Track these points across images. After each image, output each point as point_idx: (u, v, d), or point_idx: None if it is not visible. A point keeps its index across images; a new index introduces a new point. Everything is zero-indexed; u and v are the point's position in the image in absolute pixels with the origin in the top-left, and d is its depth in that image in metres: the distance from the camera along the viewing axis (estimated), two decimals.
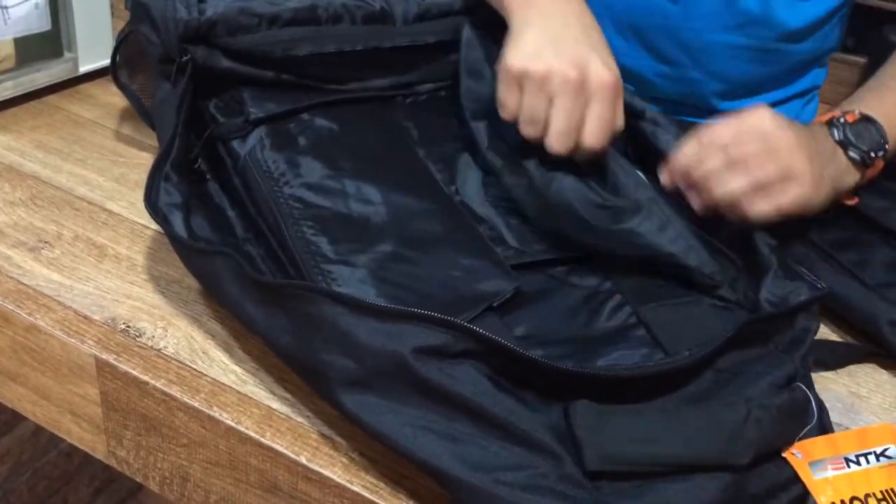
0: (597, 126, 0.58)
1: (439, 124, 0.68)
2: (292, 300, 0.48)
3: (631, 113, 0.64)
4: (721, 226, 0.61)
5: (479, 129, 0.66)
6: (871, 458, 0.49)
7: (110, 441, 0.57)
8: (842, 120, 0.65)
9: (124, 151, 0.73)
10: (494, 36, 0.70)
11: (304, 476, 0.49)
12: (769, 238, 0.59)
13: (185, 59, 0.61)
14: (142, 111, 0.74)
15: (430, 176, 0.64)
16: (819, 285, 0.56)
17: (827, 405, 0.52)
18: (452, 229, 0.59)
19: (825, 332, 0.63)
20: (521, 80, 0.58)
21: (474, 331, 0.45)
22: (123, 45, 0.71)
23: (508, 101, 0.60)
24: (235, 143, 0.62)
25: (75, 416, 0.58)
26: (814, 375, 0.54)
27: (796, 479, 0.47)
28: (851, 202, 0.67)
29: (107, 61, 0.82)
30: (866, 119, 0.65)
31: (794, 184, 0.58)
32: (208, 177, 0.64)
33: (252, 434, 0.50)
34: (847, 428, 0.55)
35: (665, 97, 0.79)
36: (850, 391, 0.58)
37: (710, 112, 0.77)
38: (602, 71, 0.57)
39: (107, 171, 0.71)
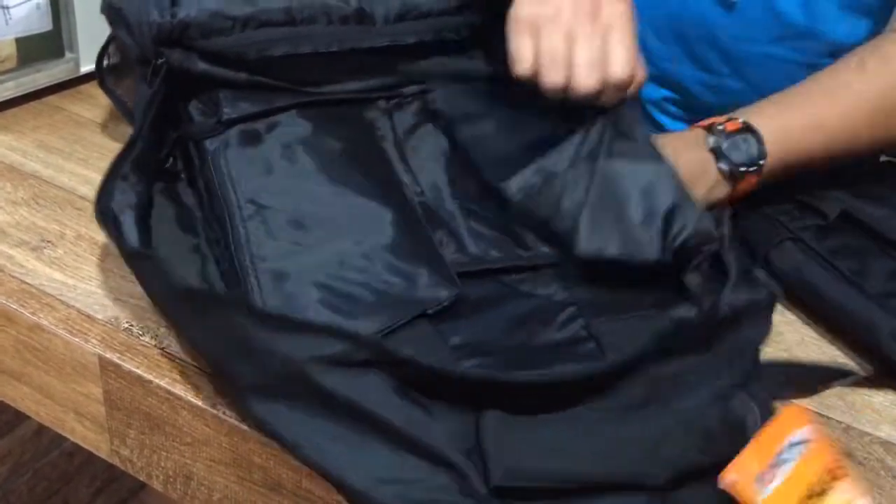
0: (622, 53, 0.56)
1: (417, 125, 0.68)
2: (206, 306, 0.48)
3: None
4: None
5: (462, 130, 0.66)
6: (792, 451, 0.46)
7: (114, 440, 0.57)
8: (720, 127, 0.63)
9: None
10: (482, 39, 0.70)
11: (308, 474, 0.49)
12: (734, 243, 0.57)
13: (159, 61, 0.61)
14: (127, 115, 0.74)
15: (395, 178, 0.63)
16: (773, 289, 0.52)
17: (827, 402, 0.51)
18: (402, 234, 0.58)
19: (819, 342, 0.62)
20: (533, 24, 0.57)
21: (366, 339, 0.44)
22: (112, 49, 0.71)
23: (523, 51, 0.58)
24: (207, 143, 0.62)
25: (79, 415, 0.58)
26: None
27: (729, 501, 0.44)
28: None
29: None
30: (748, 129, 0.63)
31: None
32: (182, 177, 0.64)
33: (256, 433, 0.50)
34: (849, 426, 0.56)
35: (702, 106, 0.78)
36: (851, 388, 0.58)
37: None
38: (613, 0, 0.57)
39: None
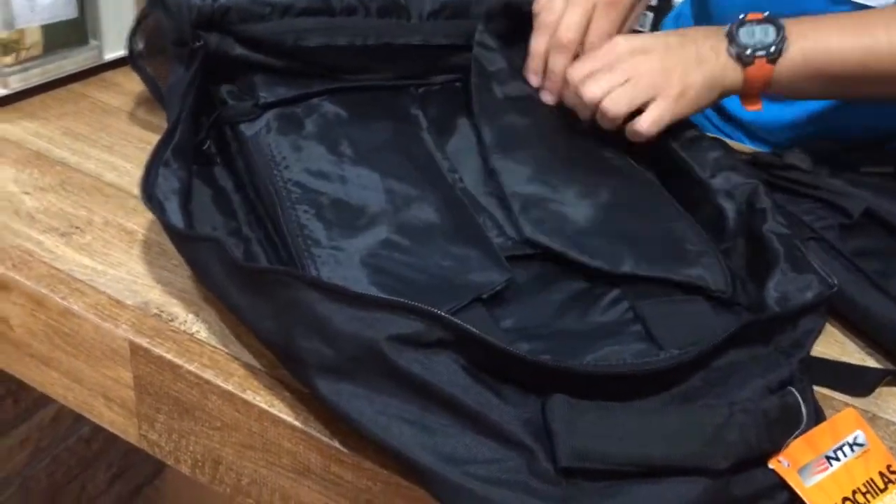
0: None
1: (449, 114, 0.69)
2: (273, 286, 0.48)
3: None
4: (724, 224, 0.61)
5: (487, 131, 0.66)
6: (847, 449, 0.49)
7: (142, 424, 0.58)
8: (743, 16, 0.66)
9: (151, 138, 0.74)
10: (509, 42, 0.71)
11: (337, 458, 0.50)
12: (781, 226, 0.58)
13: (197, 44, 0.62)
14: (158, 94, 0.74)
15: (434, 164, 0.64)
16: (830, 281, 0.54)
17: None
18: (449, 218, 0.59)
19: (841, 341, 0.62)
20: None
21: (447, 320, 0.44)
22: (141, 27, 0.71)
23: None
24: (244, 127, 0.63)
25: (108, 400, 0.59)
26: None
27: (782, 486, 0.46)
28: (753, 107, 0.67)
29: None
30: (770, 21, 0.65)
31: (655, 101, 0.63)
32: (218, 160, 0.64)
33: (285, 417, 0.51)
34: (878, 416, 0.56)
35: None
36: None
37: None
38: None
39: (134, 157, 0.71)
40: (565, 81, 0.68)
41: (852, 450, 0.49)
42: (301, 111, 0.64)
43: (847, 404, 0.56)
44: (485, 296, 0.53)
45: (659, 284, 0.57)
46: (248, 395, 0.52)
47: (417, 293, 0.52)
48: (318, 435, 0.50)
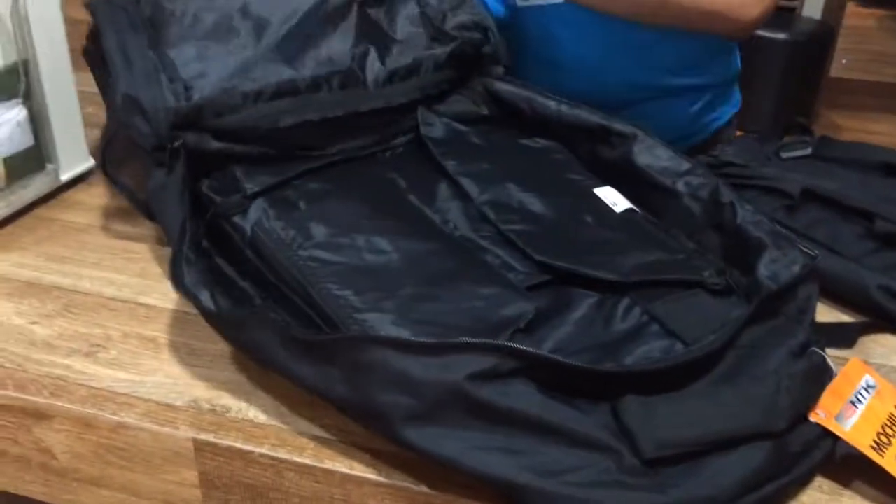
0: None
1: (422, 172, 0.74)
2: (342, 351, 0.51)
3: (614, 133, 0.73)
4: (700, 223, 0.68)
5: (468, 183, 0.71)
6: (864, 392, 0.56)
7: None
8: None
9: (135, 248, 0.75)
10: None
11: (426, 502, 0.53)
12: (752, 213, 0.65)
13: (177, 144, 0.65)
14: (135, 202, 0.76)
15: (428, 219, 0.68)
16: (812, 253, 0.61)
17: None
18: (463, 263, 0.63)
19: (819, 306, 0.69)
20: None
21: (520, 349, 0.49)
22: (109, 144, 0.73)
23: None
24: (237, 219, 0.66)
25: None
26: None
27: (825, 434, 0.53)
28: None
29: (84, 166, 0.85)
30: None
31: None
32: (212, 254, 0.66)
33: (369, 476, 0.53)
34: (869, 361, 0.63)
35: None
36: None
37: None
38: None
39: (125, 269, 0.72)
40: None
41: (868, 392, 0.56)
42: (290, 194, 0.68)
43: (839, 357, 0.63)
44: (522, 325, 0.57)
45: (661, 286, 0.62)
46: (327, 464, 0.54)
47: (462, 335, 0.54)
48: (404, 485, 0.53)
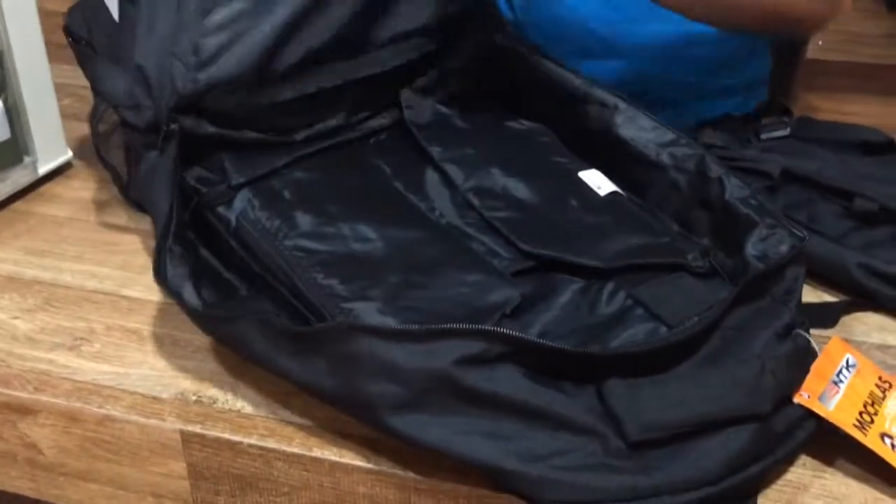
0: None
1: (408, 158, 0.73)
2: (327, 342, 0.51)
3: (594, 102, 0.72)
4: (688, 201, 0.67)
5: (453, 169, 0.71)
6: (845, 372, 0.56)
7: None
8: None
9: (115, 239, 0.74)
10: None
11: (415, 488, 0.53)
12: (740, 189, 0.64)
13: (172, 127, 0.64)
14: (120, 184, 0.77)
15: (413, 206, 0.68)
16: (800, 234, 0.61)
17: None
18: (449, 250, 0.63)
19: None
20: None
21: (506, 334, 0.49)
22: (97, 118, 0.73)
23: None
24: (221, 209, 0.66)
25: (158, 497, 0.59)
26: None
27: (809, 415, 0.53)
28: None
29: (62, 159, 0.84)
30: None
31: None
32: (197, 245, 0.66)
33: (357, 463, 0.53)
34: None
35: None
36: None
37: None
38: None
39: (107, 261, 0.72)
40: None
41: (849, 371, 0.56)
42: (275, 183, 0.67)
43: (821, 336, 0.64)
44: (508, 311, 0.57)
45: (645, 270, 0.62)
46: (316, 452, 0.54)
47: (448, 322, 0.54)
48: (392, 471, 0.53)
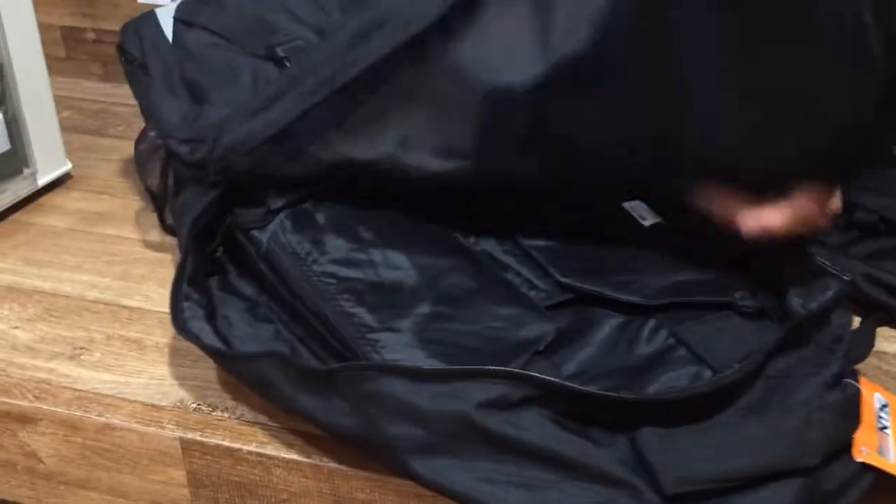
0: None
1: None
2: (346, 382, 0.49)
3: None
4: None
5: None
6: (883, 415, 0.52)
7: None
8: None
9: (115, 251, 0.75)
10: None
11: (416, 494, 0.53)
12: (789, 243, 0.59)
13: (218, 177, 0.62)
14: (161, 212, 0.75)
15: (449, 233, 0.64)
16: (844, 277, 0.56)
17: None
18: (483, 281, 0.60)
19: None
20: None
21: (532, 376, 0.47)
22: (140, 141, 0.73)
23: None
24: (256, 232, 0.63)
25: None
26: None
27: (864, 471, 0.48)
28: None
29: (61, 170, 0.84)
30: None
31: None
32: (230, 267, 0.64)
33: (357, 469, 0.54)
34: None
35: None
36: None
37: None
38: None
39: (107, 272, 0.72)
40: None
41: (885, 412, 0.52)
42: (309, 206, 0.64)
43: None
44: (541, 348, 0.54)
45: (689, 308, 0.59)
46: (315, 459, 0.54)
47: (477, 358, 0.53)
48: (391, 478, 0.53)
